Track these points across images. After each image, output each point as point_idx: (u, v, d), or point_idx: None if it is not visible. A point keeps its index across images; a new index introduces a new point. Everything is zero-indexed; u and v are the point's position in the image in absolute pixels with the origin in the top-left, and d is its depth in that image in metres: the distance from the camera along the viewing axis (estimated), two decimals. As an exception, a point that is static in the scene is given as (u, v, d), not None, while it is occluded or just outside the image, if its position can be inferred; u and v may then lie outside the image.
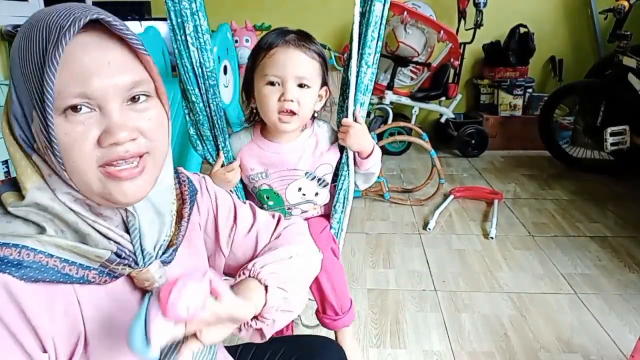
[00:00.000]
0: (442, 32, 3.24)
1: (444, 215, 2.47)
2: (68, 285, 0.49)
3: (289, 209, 1.15)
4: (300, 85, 1.01)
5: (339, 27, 3.78)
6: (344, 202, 1.15)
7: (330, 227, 1.18)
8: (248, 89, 1.08)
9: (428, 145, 2.53)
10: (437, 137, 3.66)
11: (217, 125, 1.08)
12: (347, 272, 1.91)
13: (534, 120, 3.40)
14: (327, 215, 1.19)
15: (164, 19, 1.11)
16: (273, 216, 0.79)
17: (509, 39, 3.54)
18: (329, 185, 1.16)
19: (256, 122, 1.13)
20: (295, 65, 0.99)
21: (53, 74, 0.43)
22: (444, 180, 2.58)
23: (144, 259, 0.53)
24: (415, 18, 3.22)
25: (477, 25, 3.31)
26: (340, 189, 1.13)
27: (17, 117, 0.49)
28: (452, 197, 2.64)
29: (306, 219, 1.16)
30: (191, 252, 0.65)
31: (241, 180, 1.15)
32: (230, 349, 0.80)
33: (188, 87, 1.03)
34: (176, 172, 0.64)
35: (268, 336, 0.66)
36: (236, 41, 2.92)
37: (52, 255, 0.47)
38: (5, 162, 1.70)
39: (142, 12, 3.33)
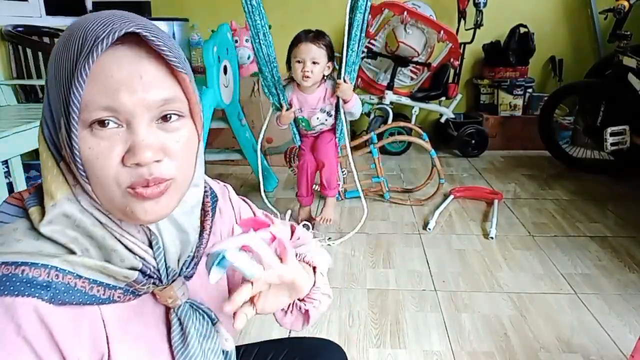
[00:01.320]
0: (442, 32, 3.24)
1: (444, 215, 2.47)
2: (94, 305, 0.48)
3: (312, 127, 2.19)
4: (314, 63, 1.96)
5: (339, 27, 3.76)
6: (341, 122, 2.18)
7: (335, 137, 2.21)
8: (288, 63, 2.05)
9: (428, 145, 2.53)
10: (437, 137, 3.66)
11: (277, 88, 2.09)
12: (347, 272, 1.92)
13: (534, 120, 3.40)
14: (332, 130, 2.22)
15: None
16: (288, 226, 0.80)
17: (509, 39, 3.54)
18: (332, 115, 2.18)
19: (293, 80, 2.08)
20: (310, 52, 1.95)
21: (81, 85, 0.42)
22: (444, 180, 2.58)
23: (167, 276, 0.52)
24: (415, 18, 3.22)
25: (477, 25, 3.31)
26: (339, 117, 2.16)
27: (48, 121, 0.48)
28: (452, 197, 2.64)
29: (322, 131, 2.23)
30: None
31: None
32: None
33: (263, 68, 2.04)
34: None
35: (313, 320, 0.66)
36: (236, 41, 2.92)
37: (80, 277, 0.46)
38: (5, 162, 1.70)
39: (142, 12, 3.33)
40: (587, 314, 1.62)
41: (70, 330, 0.46)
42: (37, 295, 0.43)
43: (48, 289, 0.44)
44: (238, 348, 0.82)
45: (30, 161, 2.37)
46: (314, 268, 0.67)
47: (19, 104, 2.43)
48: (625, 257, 2.01)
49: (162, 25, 2.64)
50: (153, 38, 0.45)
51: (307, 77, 1.96)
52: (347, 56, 2.01)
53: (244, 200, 0.76)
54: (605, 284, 1.81)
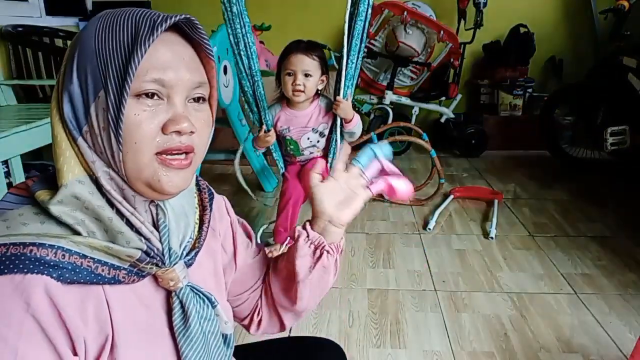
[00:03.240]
0: (442, 32, 3.24)
1: (444, 215, 2.47)
2: (99, 286, 0.49)
3: (302, 150, 1.89)
4: (306, 75, 1.73)
5: (339, 27, 3.78)
6: (335, 143, 1.87)
7: (327, 163, 1.89)
8: (278, 76, 1.81)
9: (428, 145, 2.53)
10: (437, 137, 3.65)
11: (259, 105, 1.77)
12: (347, 272, 1.92)
13: (534, 120, 3.40)
14: (324, 156, 1.92)
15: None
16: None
17: (509, 39, 3.54)
18: (325, 136, 1.89)
19: (283, 97, 1.83)
20: (302, 64, 1.72)
21: (142, 55, 0.47)
22: (444, 180, 2.58)
23: (170, 258, 0.54)
24: (415, 18, 3.22)
25: (477, 25, 3.30)
26: (333, 138, 1.86)
27: (74, 97, 0.50)
28: (452, 197, 2.64)
29: (312, 157, 1.92)
30: (209, 257, 0.66)
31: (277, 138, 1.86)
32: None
33: (243, 82, 1.73)
34: (195, 179, 0.66)
35: (318, 269, 0.70)
36: (236, 41, 2.92)
37: (86, 256, 0.48)
38: (5, 162, 1.70)
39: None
40: (587, 314, 1.62)
41: (77, 310, 0.47)
42: (46, 273, 0.45)
43: (56, 267, 0.45)
44: (238, 347, 0.82)
45: (30, 161, 2.37)
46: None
47: (19, 104, 2.43)
48: (625, 257, 2.01)
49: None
50: (200, 27, 0.53)
51: (299, 91, 1.73)
52: (346, 69, 1.72)
53: (240, 220, 0.78)
54: (605, 284, 1.81)
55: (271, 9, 3.69)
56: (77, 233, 0.49)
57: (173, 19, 0.49)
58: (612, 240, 2.16)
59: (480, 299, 1.72)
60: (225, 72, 2.43)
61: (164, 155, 0.51)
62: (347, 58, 1.69)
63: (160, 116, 0.50)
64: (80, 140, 0.50)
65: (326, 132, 1.87)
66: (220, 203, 0.72)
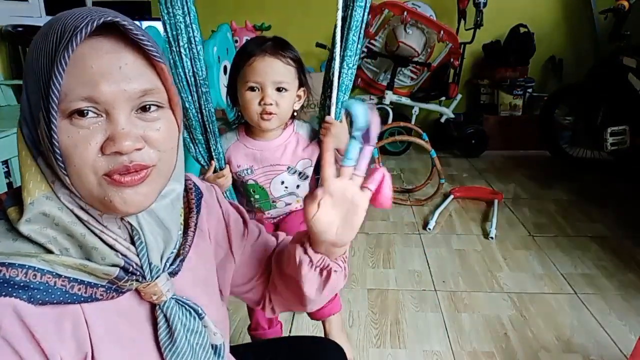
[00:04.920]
0: (442, 32, 3.24)
1: (444, 215, 2.47)
2: (76, 304, 0.48)
3: (273, 201, 1.24)
4: (279, 89, 1.11)
5: (339, 27, 3.78)
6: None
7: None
8: (233, 94, 1.18)
9: (428, 145, 2.53)
10: (437, 137, 3.65)
11: (209, 130, 1.14)
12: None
13: (534, 120, 3.40)
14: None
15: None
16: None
17: (509, 39, 3.54)
18: (309, 178, 1.24)
19: (241, 123, 1.22)
20: (273, 72, 1.10)
21: (60, 74, 0.42)
22: (444, 180, 2.58)
23: (151, 273, 0.52)
24: (415, 18, 3.22)
25: (477, 25, 3.31)
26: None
27: (26, 117, 0.48)
28: (452, 197, 2.64)
29: (290, 212, 1.27)
30: (199, 260, 0.63)
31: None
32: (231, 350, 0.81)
33: (182, 94, 1.09)
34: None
35: (329, 289, 0.66)
36: (236, 41, 2.92)
37: (60, 275, 0.46)
38: (5, 162, 1.70)
39: (142, 12, 3.33)
40: (587, 314, 1.62)
41: (52, 329, 0.45)
42: (14, 295, 0.43)
43: (26, 288, 0.44)
44: (238, 348, 0.82)
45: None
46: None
47: (19, 104, 2.43)
48: (625, 257, 2.01)
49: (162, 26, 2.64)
50: (131, 27, 0.45)
51: (270, 113, 1.11)
52: (339, 78, 1.17)
53: (234, 205, 0.74)
54: (605, 284, 1.81)
55: (271, 9, 3.69)
56: (50, 251, 0.47)
57: (90, 25, 0.42)
58: (612, 240, 2.16)
59: (480, 299, 1.72)
60: (225, 72, 2.43)
61: (114, 176, 0.46)
62: (342, 62, 1.16)
63: (98, 136, 0.45)
64: (39, 159, 0.48)
65: (309, 171, 1.23)
66: (211, 193, 0.68)
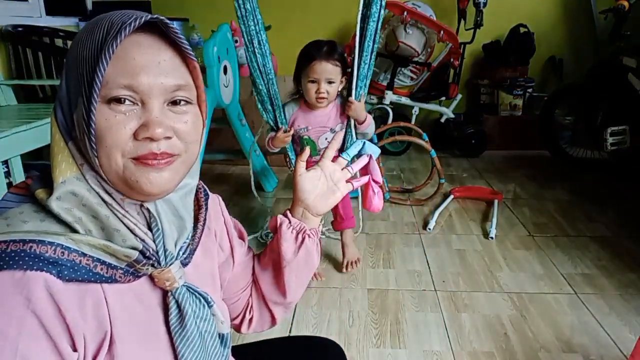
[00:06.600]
0: (442, 32, 3.24)
1: (444, 215, 2.47)
2: (97, 284, 0.50)
3: (319, 150, 1.86)
4: (329, 82, 1.70)
5: (339, 27, 3.78)
6: (349, 143, 1.85)
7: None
8: (298, 79, 1.77)
9: (428, 145, 2.53)
10: (437, 137, 3.65)
11: (274, 102, 1.79)
12: (347, 271, 1.92)
13: (534, 120, 3.40)
14: (338, 156, 1.89)
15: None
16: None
17: (509, 39, 3.54)
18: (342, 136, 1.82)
19: (301, 97, 1.81)
20: (326, 72, 1.68)
21: (107, 61, 0.47)
22: (444, 180, 2.58)
23: (165, 259, 0.55)
24: (415, 18, 3.22)
25: (477, 25, 3.30)
26: (348, 138, 1.85)
27: (63, 103, 0.52)
28: (452, 197, 2.64)
29: None
30: (205, 256, 0.66)
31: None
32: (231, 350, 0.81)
33: (257, 80, 1.74)
34: None
35: (316, 262, 0.75)
36: (236, 41, 2.92)
37: (84, 254, 0.48)
38: (5, 162, 1.70)
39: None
40: (587, 314, 1.62)
41: (77, 306, 0.47)
42: (45, 269, 0.45)
43: (55, 264, 0.46)
44: (237, 348, 0.82)
45: (30, 161, 2.37)
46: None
47: (19, 104, 2.43)
48: (625, 257, 2.01)
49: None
50: (172, 26, 0.51)
51: (323, 98, 1.71)
52: (358, 70, 1.74)
53: (233, 219, 0.79)
54: (605, 284, 1.81)
55: (271, 9, 3.68)
56: (75, 231, 0.49)
57: (138, 21, 0.48)
58: (612, 240, 2.16)
59: (480, 299, 1.72)
60: (225, 72, 2.43)
61: (141, 160, 0.50)
62: (360, 59, 1.72)
63: (133, 122, 0.50)
64: (70, 144, 0.52)
65: (342, 131, 1.88)
66: (215, 202, 0.72)
